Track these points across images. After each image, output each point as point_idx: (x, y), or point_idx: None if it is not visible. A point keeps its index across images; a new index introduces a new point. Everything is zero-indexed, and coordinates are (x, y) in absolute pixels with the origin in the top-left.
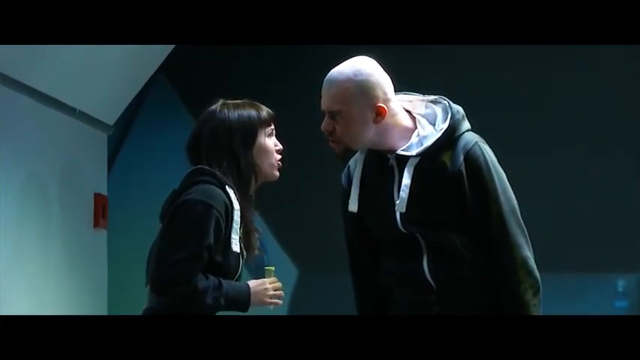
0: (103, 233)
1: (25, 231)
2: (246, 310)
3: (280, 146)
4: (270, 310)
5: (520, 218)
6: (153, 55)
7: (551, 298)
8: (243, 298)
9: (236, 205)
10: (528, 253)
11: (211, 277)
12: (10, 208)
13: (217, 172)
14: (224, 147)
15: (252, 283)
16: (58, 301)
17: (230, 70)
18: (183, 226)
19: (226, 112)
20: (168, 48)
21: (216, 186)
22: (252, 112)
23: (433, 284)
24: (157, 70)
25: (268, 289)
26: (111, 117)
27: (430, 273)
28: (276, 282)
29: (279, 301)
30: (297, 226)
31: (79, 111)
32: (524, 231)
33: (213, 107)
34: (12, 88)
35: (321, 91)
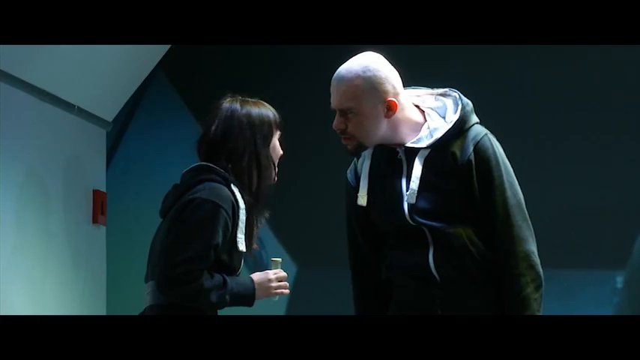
0: (101, 229)
1: (24, 227)
2: (251, 304)
3: (281, 151)
4: (269, 310)
5: (526, 212)
6: (152, 51)
7: (550, 293)
8: (248, 293)
9: (241, 204)
10: (532, 247)
11: (216, 275)
12: (9, 203)
13: (222, 170)
14: (248, 143)
15: (256, 277)
16: (57, 297)
17: (230, 67)
18: (191, 225)
19: (248, 108)
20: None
21: (223, 184)
22: (269, 112)
23: (437, 277)
24: (156, 66)
25: (272, 280)
26: (110, 113)
27: (435, 266)
28: (279, 272)
29: (286, 291)
30: (296, 221)
31: (78, 107)
32: (529, 225)
33: (235, 104)
34: (10, 85)
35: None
